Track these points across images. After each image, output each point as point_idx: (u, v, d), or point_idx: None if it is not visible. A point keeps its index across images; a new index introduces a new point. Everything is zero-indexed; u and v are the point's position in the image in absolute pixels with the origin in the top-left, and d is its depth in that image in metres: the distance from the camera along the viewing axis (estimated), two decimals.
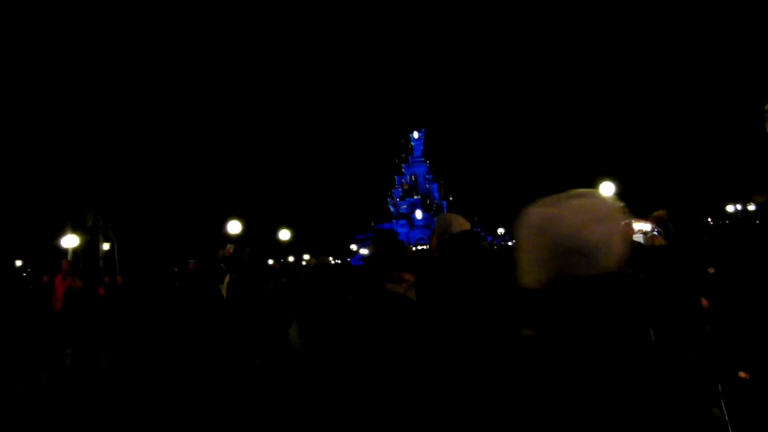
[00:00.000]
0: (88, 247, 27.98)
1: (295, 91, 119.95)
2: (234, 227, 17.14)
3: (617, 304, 1.14)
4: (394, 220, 69.13)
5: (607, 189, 16.27)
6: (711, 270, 6.17)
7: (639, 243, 9.80)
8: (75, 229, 23.03)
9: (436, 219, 3.26)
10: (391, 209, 70.98)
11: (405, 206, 70.31)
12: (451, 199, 70.95)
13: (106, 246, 30.67)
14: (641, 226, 19.31)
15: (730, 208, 25.08)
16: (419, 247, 25.83)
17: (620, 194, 17.04)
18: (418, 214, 68.14)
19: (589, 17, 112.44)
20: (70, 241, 17.94)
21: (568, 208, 1.19)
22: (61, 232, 19.04)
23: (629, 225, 1.24)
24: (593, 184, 16.49)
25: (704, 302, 3.85)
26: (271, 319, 8.20)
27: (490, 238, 52.67)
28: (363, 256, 45.98)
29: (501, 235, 50.15)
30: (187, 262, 9.97)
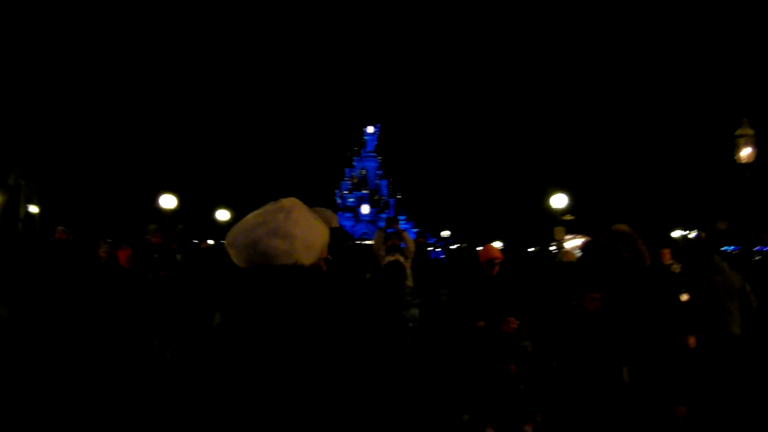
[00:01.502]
0: (7, 207, 25.98)
1: (248, 67, 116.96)
2: (168, 201, 16.11)
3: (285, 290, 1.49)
4: (339, 213, 68.43)
5: (558, 201, 16.27)
6: (684, 297, 5.95)
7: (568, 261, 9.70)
8: None
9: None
10: (338, 201, 70.26)
11: (352, 199, 69.73)
12: (399, 197, 70.89)
13: (33, 209, 28.62)
14: (579, 242, 19.34)
15: (675, 234, 25.76)
16: (363, 242, 25.35)
17: (572, 207, 17.08)
18: (365, 209, 67.73)
19: (546, 21, 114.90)
20: None
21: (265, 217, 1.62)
22: None
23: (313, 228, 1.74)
24: (545, 194, 16.50)
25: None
26: (188, 307, 7.39)
27: (433, 240, 52.89)
28: None
29: (445, 238, 50.30)
30: (54, 229, 8.66)
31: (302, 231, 1.59)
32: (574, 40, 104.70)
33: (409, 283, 7.49)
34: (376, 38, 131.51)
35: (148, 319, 6.91)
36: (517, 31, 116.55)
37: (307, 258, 1.60)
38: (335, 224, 2.88)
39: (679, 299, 5.63)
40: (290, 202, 1.69)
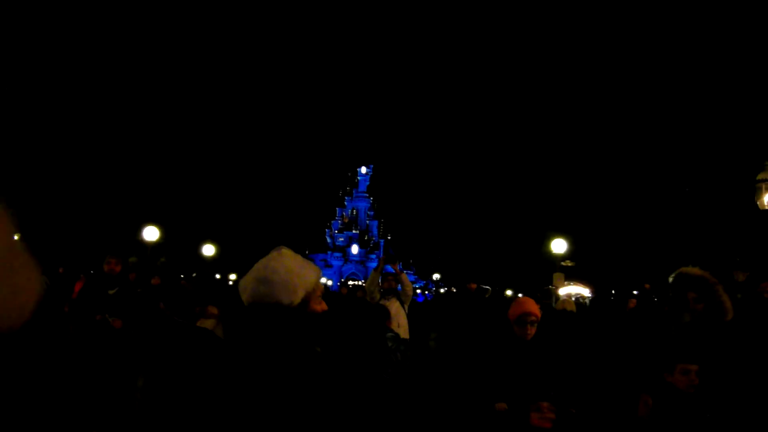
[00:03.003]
0: None
1: (241, 101, 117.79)
2: (150, 234, 15.29)
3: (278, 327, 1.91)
4: (329, 252, 67.64)
5: (558, 246, 15.62)
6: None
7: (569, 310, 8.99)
8: None
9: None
10: (328, 240, 69.54)
11: (342, 239, 69.10)
12: (389, 238, 70.30)
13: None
14: (580, 290, 18.59)
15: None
16: (349, 283, 24.63)
17: (571, 253, 16.40)
18: (354, 249, 67.02)
19: (544, 59, 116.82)
20: None
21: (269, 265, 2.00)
22: None
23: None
24: (544, 239, 15.85)
25: None
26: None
27: (422, 283, 52.00)
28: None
29: (436, 280, 49.43)
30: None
31: (281, 277, 1.92)
32: (574, 77, 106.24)
33: (404, 329, 6.70)
34: (371, 78, 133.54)
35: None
36: (512, 71, 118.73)
37: (288, 298, 1.92)
38: None
39: None
40: (276, 253, 2.03)
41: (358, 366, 3.85)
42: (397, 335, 3.96)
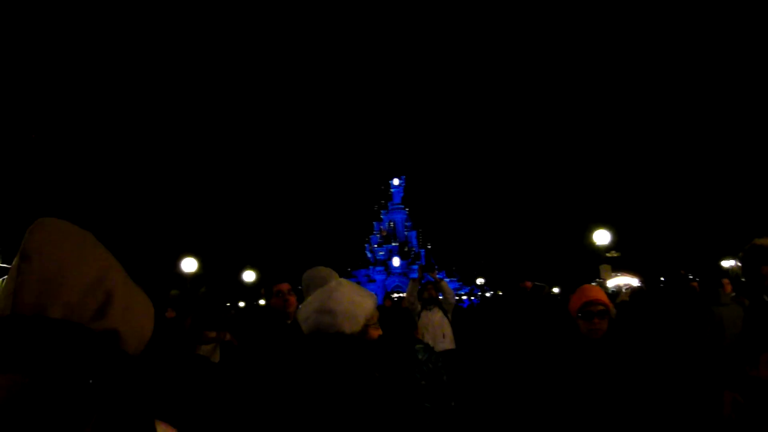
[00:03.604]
0: None
1: (273, 126, 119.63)
2: (189, 265, 15.55)
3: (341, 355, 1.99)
4: (371, 267, 67.66)
5: (601, 237, 15.21)
6: None
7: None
8: None
9: (306, 274, 3.20)
10: (368, 255, 69.60)
11: (382, 253, 69.03)
12: (429, 247, 69.92)
13: None
14: (629, 281, 18.03)
15: (725, 264, 24.05)
16: (393, 296, 24.46)
17: (615, 243, 15.94)
18: (396, 262, 66.86)
19: (576, 64, 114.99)
20: None
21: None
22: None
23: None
24: (586, 231, 15.45)
25: None
26: None
27: (467, 289, 51.39)
28: None
29: (480, 285, 48.85)
30: None
31: (344, 307, 2.06)
32: (617, 70, 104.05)
33: (449, 338, 6.57)
34: (397, 88, 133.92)
35: None
36: (552, 66, 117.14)
37: (350, 327, 2.06)
38: None
39: None
40: (336, 283, 2.21)
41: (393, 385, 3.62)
42: (427, 345, 3.77)
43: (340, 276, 2.86)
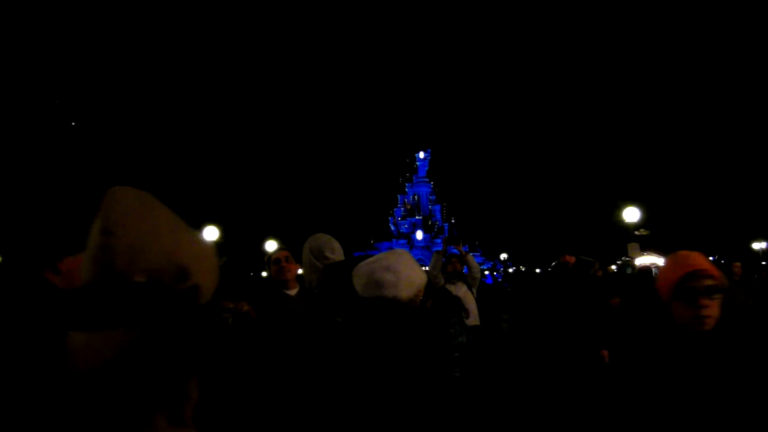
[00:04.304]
0: None
1: (297, 96, 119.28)
2: (210, 234, 15.66)
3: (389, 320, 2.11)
4: (394, 240, 67.75)
5: (631, 214, 14.82)
6: None
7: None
8: None
9: (310, 239, 3.40)
10: (392, 228, 69.61)
11: (406, 226, 68.98)
12: (453, 221, 69.61)
13: None
14: (656, 260, 17.67)
15: (756, 246, 23.43)
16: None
17: (645, 221, 15.54)
18: (419, 235, 66.76)
19: (609, 33, 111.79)
20: None
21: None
22: None
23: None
24: (615, 208, 15.06)
25: None
26: None
27: (489, 264, 51.19)
28: None
29: (504, 260, 48.54)
30: None
31: (407, 270, 2.26)
32: (645, 55, 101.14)
33: (474, 314, 6.43)
34: (423, 60, 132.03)
35: None
36: (582, 39, 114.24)
37: (406, 292, 2.23)
38: None
39: None
40: (402, 251, 2.43)
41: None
42: (461, 320, 3.83)
43: (362, 248, 3.03)
